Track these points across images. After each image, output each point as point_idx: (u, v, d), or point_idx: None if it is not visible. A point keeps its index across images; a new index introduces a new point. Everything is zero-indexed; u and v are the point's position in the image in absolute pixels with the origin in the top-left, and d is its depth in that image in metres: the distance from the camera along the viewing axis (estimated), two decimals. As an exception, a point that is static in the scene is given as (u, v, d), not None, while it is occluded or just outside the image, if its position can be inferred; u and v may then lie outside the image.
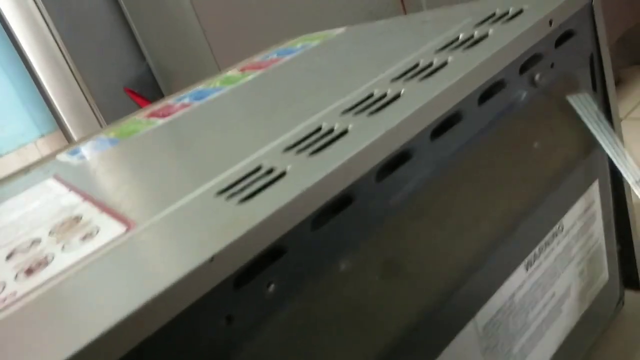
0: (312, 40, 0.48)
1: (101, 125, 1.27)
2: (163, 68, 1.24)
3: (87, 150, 0.38)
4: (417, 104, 0.23)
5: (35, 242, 0.24)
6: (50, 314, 0.17)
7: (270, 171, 0.22)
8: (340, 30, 0.47)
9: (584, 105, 0.29)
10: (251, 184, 0.21)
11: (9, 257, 0.23)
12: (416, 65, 0.28)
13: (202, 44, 0.92)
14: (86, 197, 0.27)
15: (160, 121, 0.38)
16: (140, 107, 1.31)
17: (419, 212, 0.23)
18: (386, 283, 0.23)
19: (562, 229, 0.28)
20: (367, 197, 0.22)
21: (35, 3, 1.17)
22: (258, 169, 0.23)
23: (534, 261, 0.27)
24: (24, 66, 1.34)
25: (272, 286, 0.19)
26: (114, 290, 0.17)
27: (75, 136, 1.27)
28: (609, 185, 0.33)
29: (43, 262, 0.21)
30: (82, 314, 0.17)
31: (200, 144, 0.29)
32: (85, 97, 1.26)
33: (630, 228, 0.38)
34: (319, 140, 0.23)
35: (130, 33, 1.25)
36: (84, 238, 0.22)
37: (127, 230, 0.21)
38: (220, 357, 0.18)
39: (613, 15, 0.81)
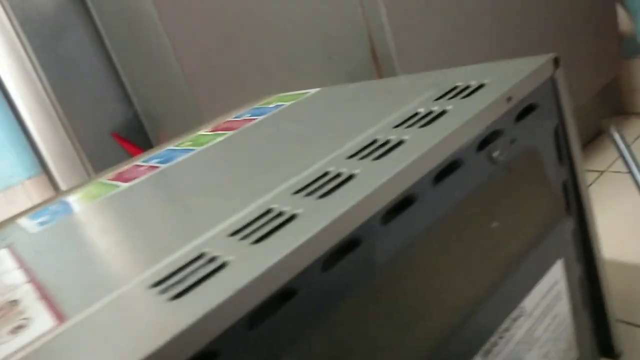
0: (287, 100, 0.48)
1: (87, 171, 1.26)
2: (150, 114, 1.24)
3: (46, 216, 0.37)
4: (371, 187, 0.23)
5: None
6: None
7: (212, 259, 0.21)
8: (313, 91, 0.47)
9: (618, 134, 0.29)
10: (188, 276, 0.20)
11: None
12: (373, 142, 0.27)
13: (185, 92, 0.92)
14: (31, 277, 0.26)
15: (122, 186, 0.37)
16: (127, 151, 1.30)
17: (364, 304, 0.22)
18: None
19: (523, 312, 0.27)
20: (310, 290, 0.21)
21: (25, 50, 1.18)
22: (199, 257, 0.22)
23: (492, 349, 0.25)
24: (12, 110, 1.34)
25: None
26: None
27: (59, 181, 1.26)
28: (575, 263, 0.32)
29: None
30: None
31: (150, 221, 0.28)
32: (72, 143, 1.26)
33: (604, 298, 0.37)
34: (265, 225, 0.22)
35: (119, 80, 1.26)
36: (15, 330, 0.21)
37: (58, 325, 0.20)
38: None
39: (591, 70, 0.83)
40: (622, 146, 0.26)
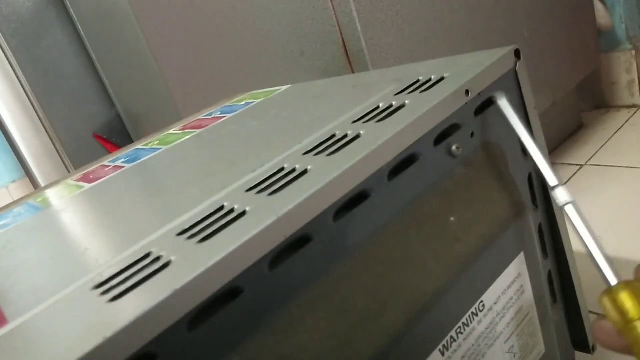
0: (257, 98, 0.47)
1: (69, 172, 1.25)
2: (131, 114, 1.23)
3: (9, 218, 0.37)
4: (321, 182, 0.22)
5: None
6: None
7: (157, 259, 0.21)
8: (284, 88, 0.47)
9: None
10: (131, 277, 0.20)
11: None
12: (331, 137, 0.27)
13: (164, 91, 0.91)
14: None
15: (86, 187, 0.37)
16: (109, 152, 1.29)
17: (314, 302, 0.22)
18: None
19: (484, 307, 0.27)
20: (257, 288, 0.20)
21: (4, 51, 1.17)
22: (145, 257, 0.21)
23: (451, 344, 0.25)
24: None
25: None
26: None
27: (42, 183, 1.25)
28: (541, 257, 0.32)
29: None
30: None
31: (103, 222, 0.28)
32: (54, 144, 1.25)
33: (575, 291, 0.37)
34: (214, 223, 0.22)
35: (100, 81, 1.25)
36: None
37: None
38: None
39: (570, 64, 0.83)
40: (510, 113, 0.26)
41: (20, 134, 1.21)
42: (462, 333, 0.26)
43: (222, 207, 0.23)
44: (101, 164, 0.44)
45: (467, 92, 0.28)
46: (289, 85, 0.48)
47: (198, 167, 0.31)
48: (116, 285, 0.20)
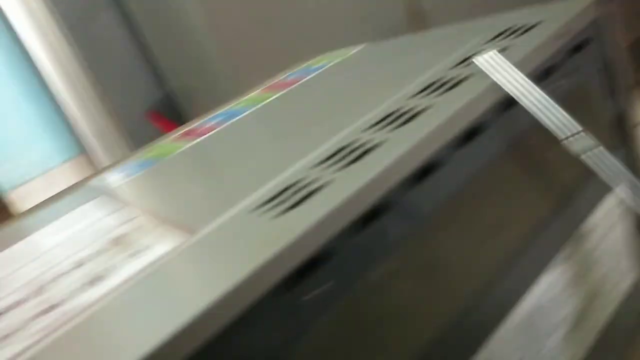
0: (334, 58, 0.50)
1: (127, 149, 1.30)
2: (184, 91, 1.27)
3: (127, 171, 0.40)
4: (441, 118, 0.25)
5: (101, 251, 0.25)
6: (126, 312, 0.19)
7: (304, 186, 0.24)
8: (359, 48, 0.49)
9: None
10: (288, 199, 0.23)
11: (76, 267, 0.25)
12: (439, 79, 0.29)
13: (221, 66, 0.94)
14: (142, 210, 0.29)
15: (192, 143, 0.40)
16: (162, 129, 1.34)
17: (449, 220, 0.25)
18: (418, 287, 0.24)
19: (582, 235, 0.29)
20: (402, 205, 0.23)
21: (59, 31, 1.21)
22: (293, 184, 0.24)
23: (551, 272, 0.27)
24: (48, 93, 1.38)
25: (309, 295, 0.20)
26: (171, 300, 0.19)
27: (100, 161, 1.30)
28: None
29: (103, 275, 0.23)
30: (158, 309, 0.18)
31: (233, 163, 0.31)
32: (109, 122, 1.30)
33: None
34: (353, 152, 0.25)
35: (152, 57, 1.29)
36: (146, 248, 0.24)
37: (184, 241, 0.23)
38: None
39: (623, 24, 0.82)
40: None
41: (77, 111, 1.27)
42: (562, 261, 0.28)
43: (356, 140, 0.26)
44: (193, 125, 0.47)
45: (563, 34, 0.30)
46: (363, 45, 0.50)
47: (307, 117, 0.34)
48: (276, 205, 0.23)
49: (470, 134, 0.26)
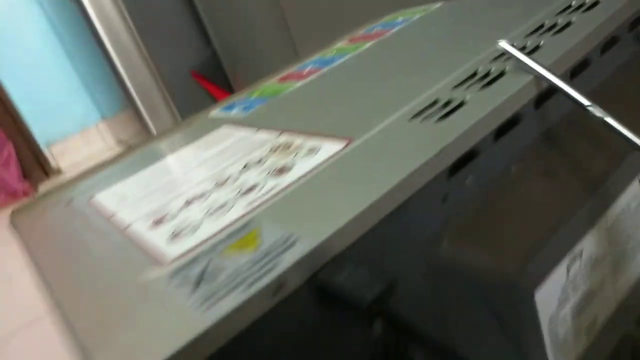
0: (410, 15, 0.55)
1: (170, 106, 1.35)
2: (229, 52, 1.31)
3: (239, 107, 0.46)
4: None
5: (262, 159, 0.31)
6: (319, 192, 0.25)
7: (448, 102, 0.29)
8: (437, 6, 0.54)
9: None
10: (438, 111, 0.28)
11: (244, 168, 0.31)
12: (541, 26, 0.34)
13: (279, 26, 0.99)
14: (281, 131, 0.34)
15: (302, 82, 0.45)
16: (206, 89, 1.39)
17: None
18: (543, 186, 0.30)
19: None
20: (529, 119, 0.28)
21: (111, -8, 1.25)
22: (436, 101, 0.30)
23: None
24: (93, 50, 1.42)
25: (469, 178, 0.26)
26: (362, 182, 0.24)
27: (146, 116, 1.36)
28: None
29: (285, 168, 0.28)
30: (339, 194, 0.24)
31: (363, 90, 0.36)
32: (154, 80, 1.34)
33: None
34: (481, 80, 0.30)
35: (199, 18, 1.33)
36: (309, 153, 0.29)
37: (347, 145, 0.29)
38: (437, 230, 0.25)
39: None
40: (519, 55, 0.30)
41: (122, 69, 1.31)
42: None
43: (475, 72, 0.32)
44: (287, 71, 0.52)
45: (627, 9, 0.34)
46: (439, 4, 0.55)
47: (414, 56, 0.39)
48: (428, 117, 0.28)
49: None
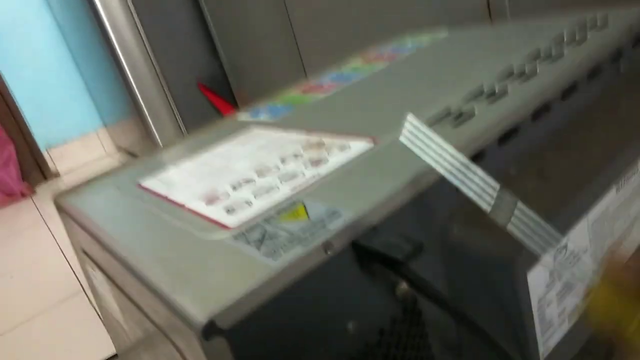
0: (419, 41, 0.61)
1: (175, 115, 1.40)
2: (235, 67, 1.37)
3: (265, 112, 0.51)
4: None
5: (298, 155, 0.36)
6: (361, 174, 0.30)
7: (460, 114, 0.35)
8: (443, 35, 0.60)
9: None
10: (453, 120, 0.34)
11: (282, 162, 0.36)
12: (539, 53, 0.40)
13: (288, 42, 1.04)
14: (311, 131, 0.40)
15: (322, 95, 0.51)
16: (210, 101, 1.44)
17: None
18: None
19: None
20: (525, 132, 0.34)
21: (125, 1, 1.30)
22: (449, 112, 0.35)
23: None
24: (99, 57, 1.46)
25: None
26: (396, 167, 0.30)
27: (151, 123, 1.40)
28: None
29: (321, 161, 0.34)
30: (374, 178, 0.29)
31: (388, 100, 0.41)
32: (160, 88, 1.39)
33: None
34: (489, 97, 0.36)
35: (208, 30, 1.38)
36: (341, 150, 0.35)
37: (375, 144, 0.34)
38: (451, 213, 0.30)
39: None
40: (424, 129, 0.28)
41: (130, 75, 1.36)
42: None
43: (487, 88, 0.37)
44: (305, 84, 0.58)
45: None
46: (445, 33, 0.61)
47: (429, 77, 0.45)
48: (444, 124, 0.34)
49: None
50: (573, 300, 0.37)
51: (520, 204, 0.28)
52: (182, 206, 0.33)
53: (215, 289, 0.23)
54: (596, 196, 0.35)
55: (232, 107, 1.42)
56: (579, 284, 0.37)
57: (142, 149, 1.57)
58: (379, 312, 0.27)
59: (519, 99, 0.34)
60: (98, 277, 0.39)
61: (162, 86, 1.38)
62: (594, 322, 0.25)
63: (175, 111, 1.41)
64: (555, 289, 0.35)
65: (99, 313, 0.82)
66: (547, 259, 0.33)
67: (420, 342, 0.29)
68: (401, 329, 0.28)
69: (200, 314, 0.21)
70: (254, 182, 0.34)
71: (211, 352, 0.22)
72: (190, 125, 1.41)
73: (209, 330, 0.21)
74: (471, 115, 0.34)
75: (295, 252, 0.24)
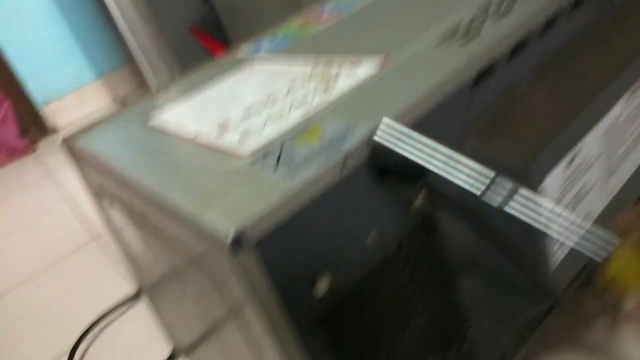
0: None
1: (168, 63, 1.38)
2: (226, 8, 1.33)
3: (266, 46, 0.50)
4: None
5: (306, 78, 0.36)
6: (370, 94, 0.30)
7: (467, 31, 0.34)
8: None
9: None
10: (459, 39, 0.33)
11: (288, 92, 0.36)
12: None
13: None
14: (321, 54, 0.39)
15: (321, 26, 0.50)
16: (204, 45, 1.41)
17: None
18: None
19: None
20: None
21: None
22: (457, 29, 0.35)
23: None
24: (88, 8, 1.43)
25: (482, 89, 0.31)
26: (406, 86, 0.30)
27: (145, 71, 1.38)
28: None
29: (333, 79, 0.34)
30: (386, 95, 0.29)
31: (394, 23, 0.41)
32: (153, 35, 1.36)
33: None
34: (495, 13, 0.35)
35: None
36: (353, 66, 0.34)
37: (386, 60, 0.34)
38: (466, 126, 0.31)
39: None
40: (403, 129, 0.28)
41: (123, 24, 1.33)
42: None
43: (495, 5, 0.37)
44: (305, 16, 0.57)
45: None
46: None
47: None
48: (452, 43, 0.33)
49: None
50: (587, 205, 0.38)
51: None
52: (194, 139, 0.34)
53: (238, 209, 0.24)
54: (606, 106, 0.36)
55: (226, 49, 1.39)
56: (593, 189, 0.38)
57: (138, 99, 1.56)
58: (396, 227, 0.28)
59: (527, 13, 0.34)
60: (117, 216, 0.40)
61: (154, 33, 1.35)
62: (616, 284, 0.25)
63: (170, 57, 1.38)
64: (571, 193, 0.36)
65: (112, 259, 0.84)
66: (563, 163, 0.34)
67: (435, 256, 0.31)
68: (416, 244, 0.29)
69: (227, 229, 0.22)
70: (263, 111, 0.34)
71: (240, 266, 0.22)
72: (185, 70, 1.39)
73: (238, 243, 0.22)
74: (478, 33, 0.34)
75: (313, 172, 0.25)
